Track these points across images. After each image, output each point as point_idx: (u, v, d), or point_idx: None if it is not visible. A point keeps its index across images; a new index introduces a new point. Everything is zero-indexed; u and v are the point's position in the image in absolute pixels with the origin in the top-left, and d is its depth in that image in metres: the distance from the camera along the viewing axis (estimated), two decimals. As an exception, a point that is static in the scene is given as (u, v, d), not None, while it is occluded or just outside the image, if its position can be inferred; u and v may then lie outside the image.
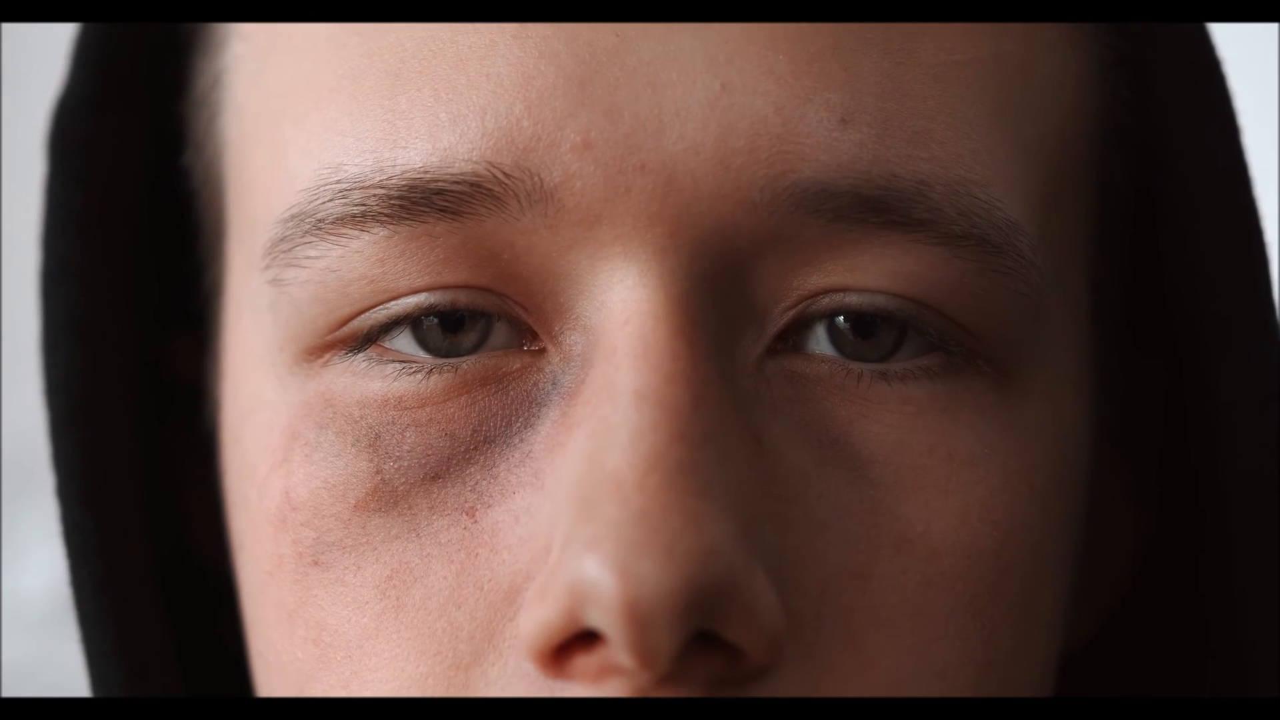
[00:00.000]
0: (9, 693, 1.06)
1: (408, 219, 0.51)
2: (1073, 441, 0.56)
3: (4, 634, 1.10)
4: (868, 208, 0.50)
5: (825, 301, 0.51)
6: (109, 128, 0.58)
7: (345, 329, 0.52)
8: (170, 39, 0.59)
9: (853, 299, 0.51)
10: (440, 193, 0.50)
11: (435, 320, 0.52)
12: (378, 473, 0.52)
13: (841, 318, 0.52)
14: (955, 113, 0.52)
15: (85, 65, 0.58)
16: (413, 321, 0.52)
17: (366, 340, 0.52)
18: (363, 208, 0.51)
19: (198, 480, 0.60)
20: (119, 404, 0.58)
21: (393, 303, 0.52)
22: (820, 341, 0.52)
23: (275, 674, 0.54)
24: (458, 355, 0.52)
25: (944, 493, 0.52)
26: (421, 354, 0.52)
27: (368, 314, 0.52)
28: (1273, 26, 1.00)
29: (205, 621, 0.61)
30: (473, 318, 0.52)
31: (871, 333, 0.52)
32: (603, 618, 0.47)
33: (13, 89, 1.06)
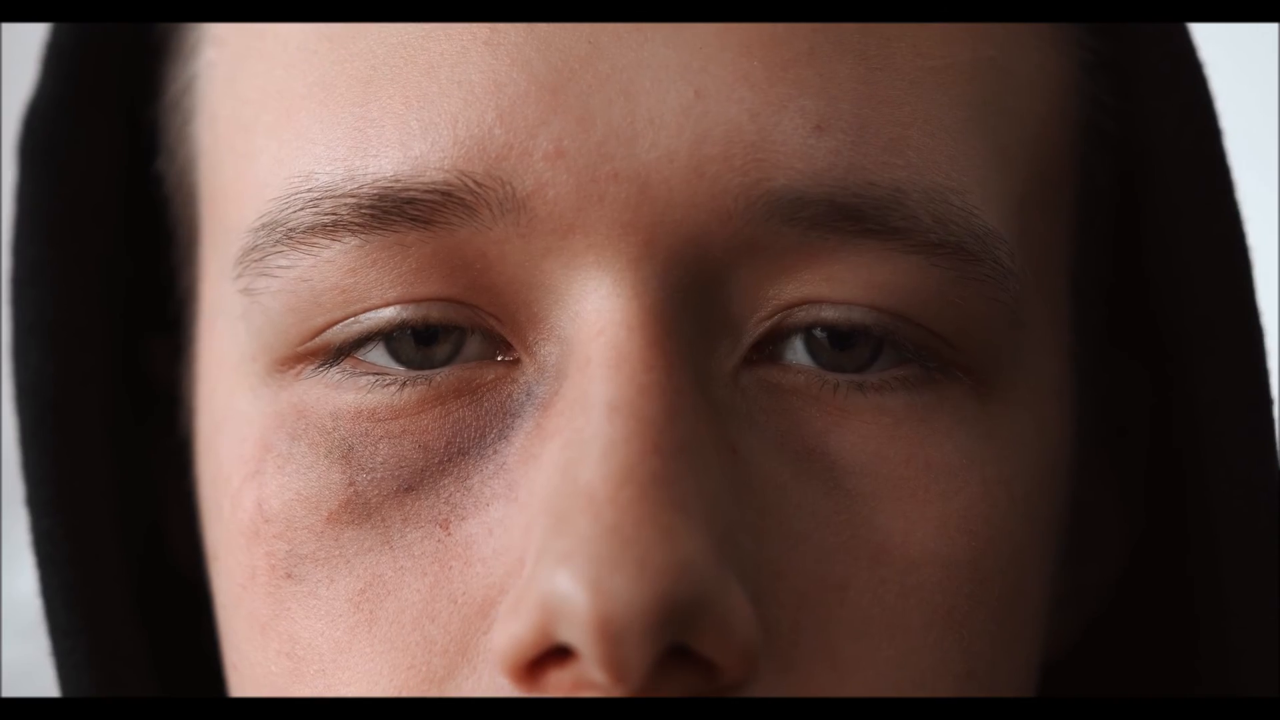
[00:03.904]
0: (8, 694, 1.05)
1: (379, 228, 0.50)
2: (1054, 448, 0.55)
3: (3, 638, 1.09)
4: (843, 215, 0.50)
5: (801, 315, 0.51)
6: (80, 132, 0.58)
7: (318, 340, 0.52)
8: (142, 43, 0.59)
9: (828, 313, 0.51)
10: (411, 202, 0.50)
11: (409, 333, 0.51)
12: (350, 485, 0.51)
13: (819, 329, 0.51)
14: (932, 119, 0.51)
15: (56, 69, 0.58)
16: (385, 335, 0.51)
17: (339, 353, 0.52)
18: (334, 217, 0.51)
19: (177, 486, 0.60)
20: (91, 409, 0.57)
21: (365, 315, 0.51)
22: (797, 352, 0.51)
23: (249, 686, 0.54)
24: (431, 367, 0.51)
25: (922, 503, 0.51)
26: (395, 366, 0.51)
27: (340, 327, 0.51)
28: (1272, 26, 1.00)
29: (184, 630, 0.61)
30: (446, 330, 0.51)
31: (848, 345, 0.51)
32: (575, 633, 0.47)
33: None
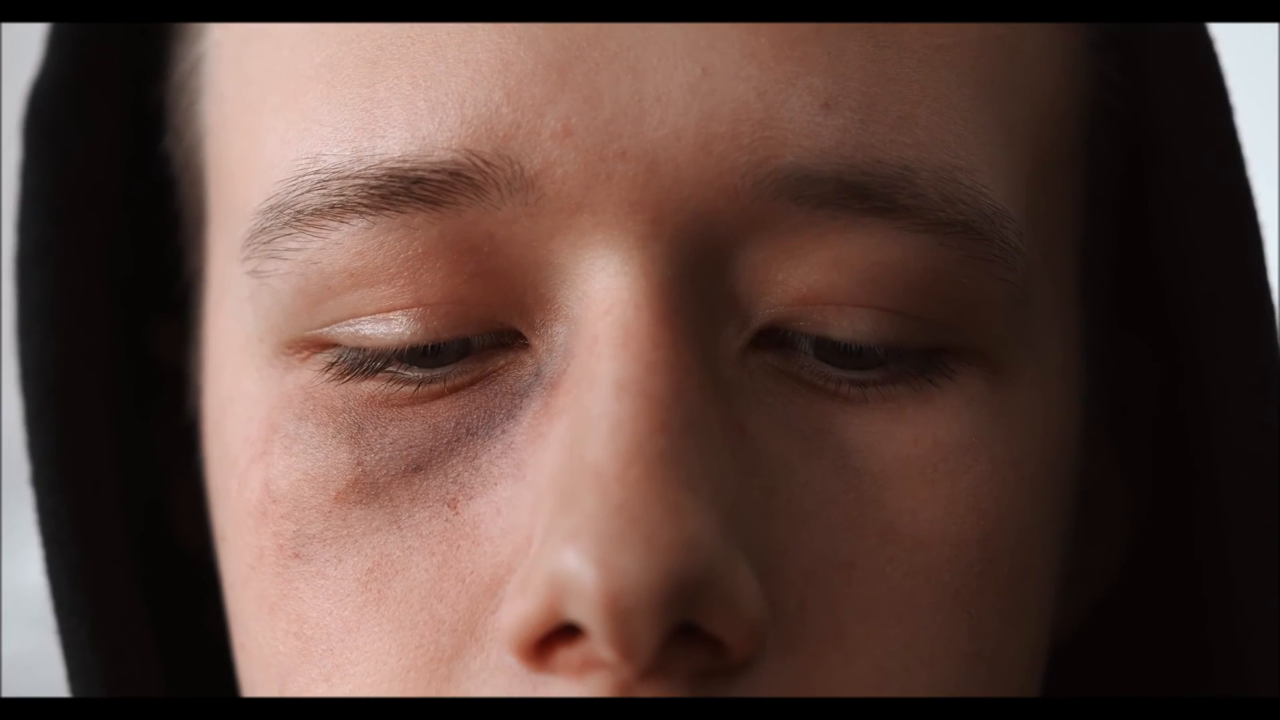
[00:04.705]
0: (10, 687, 1.05)
1: (387, 209, 0.50)
2: (1062, 427, 0.55)
3: (5, 628, 1.10)
4: (851, 194, 0.50)
5: (806, 322, 0.51)
6: (85, 111, 0.58)
7: (325, 331, 0.52)
8: (148, 24, 0.59)
9: (835, 331, 0.51)
10: (419, 182, 0.50)
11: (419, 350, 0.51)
12: (358, 464, 0.51)
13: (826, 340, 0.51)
14: (940, 97, 0.51)
15: (61, 49, 0.58)
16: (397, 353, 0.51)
17: (350, 368, 0.52)
18: (341, 198, 0.51)
19: (183, 468, 0.60)
20: (96, 390, 0.57)
21: (372, 329, 0.51)
22: (803, 343, 0.51)
23: (257, 666, 0.54)
24: (443, 366, 0.51)
25: (930, 481, 0.51)
26: (408, 372, 0.51)
27: (349, 331, 0.51)
28: (1272, 26, 1.00)
29: (190, 611, 0.61)
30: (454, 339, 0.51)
31: (854, 354, 0.51)
32: (583, 611, 0.47)
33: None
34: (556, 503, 0.48)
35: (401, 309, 0.51)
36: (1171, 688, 0.60)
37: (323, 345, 0.52)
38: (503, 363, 0.51)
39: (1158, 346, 0.59)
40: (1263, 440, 0.56)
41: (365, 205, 0.50)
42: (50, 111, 0.58)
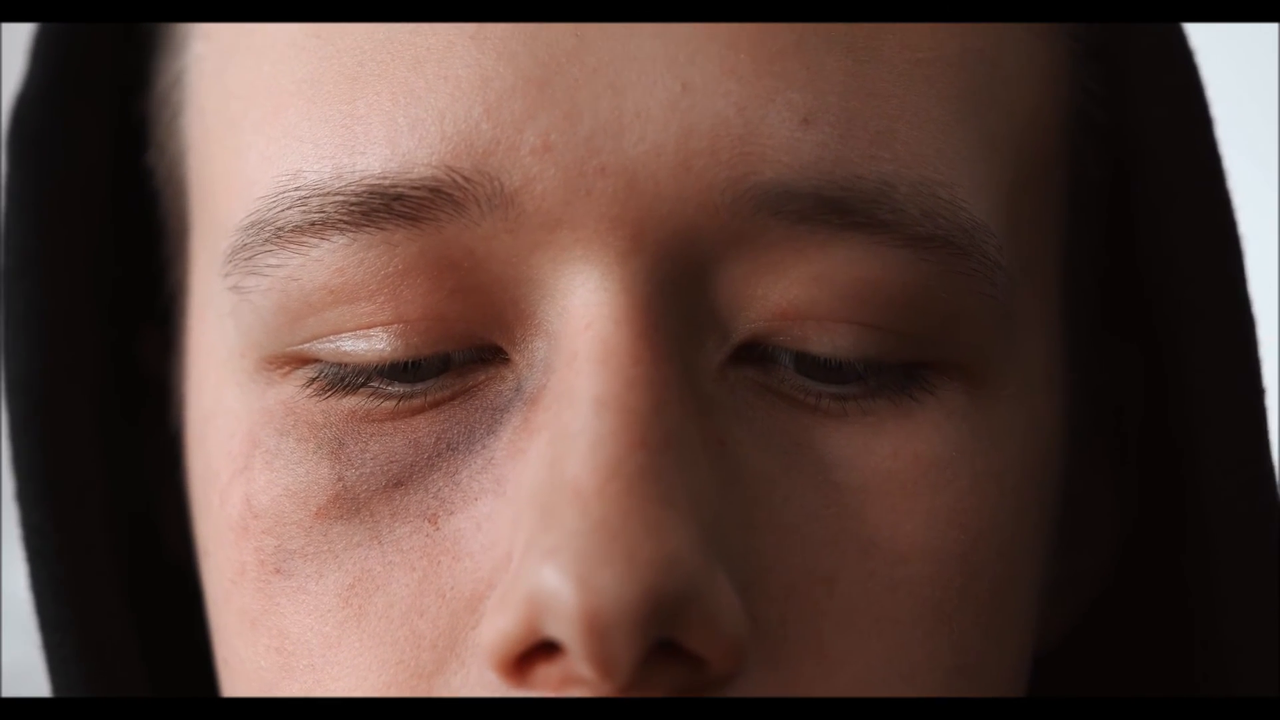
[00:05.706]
0: (8, 694, 1.06)
1: (367, 226, 0.50)
2: (1046, 438, 0.55)
3: (3, 635, 1.10)
4: (830, 209, 0.50)
5: (786, 337, 0.51)
6: (69, 124, 0.58)
7: (305, 348, 0.52)
8: (132, 36, 0.59)
9: (815, 346, 0.51)
10: (399, 198, 0.50)
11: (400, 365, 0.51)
12: (339, 480, 0.51)
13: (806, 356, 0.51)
14: (920, 111, 0.51)
15: (45, 61, 0.58)
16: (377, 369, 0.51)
17: (331, 385, 0.52)
18: (321, 215, 0.51)
19: (171, 479, 0.60)
20: (82, 402, 0.57)
21: (352, 346, 0.51)
22: (783, 358, 0.51)
23: (239, 681, 0.54)
24: (423, 382, 0.51)
25: (910, 496, 0.51)
26: (388, 388, 0.51)
27: (330, 347, 0.51)
28: (1273, 26, 1.00)
29: (178, 623, 0.61)
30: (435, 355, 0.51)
31: (833, 368, 0.51)
32: (562, 628, 0.47)
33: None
34: (536, 519, 0.48)
35: (382, 325, 0.51)
36: (1156, 695, 0.60)
37: (303, 361, 0.52)
38: (483, 378, 0.51)
39: (1145, 353, 0.59)
40: (1246, 445, 0.56)
41: (346, 222, 0.50)
42: (35, 123, 0.58)
